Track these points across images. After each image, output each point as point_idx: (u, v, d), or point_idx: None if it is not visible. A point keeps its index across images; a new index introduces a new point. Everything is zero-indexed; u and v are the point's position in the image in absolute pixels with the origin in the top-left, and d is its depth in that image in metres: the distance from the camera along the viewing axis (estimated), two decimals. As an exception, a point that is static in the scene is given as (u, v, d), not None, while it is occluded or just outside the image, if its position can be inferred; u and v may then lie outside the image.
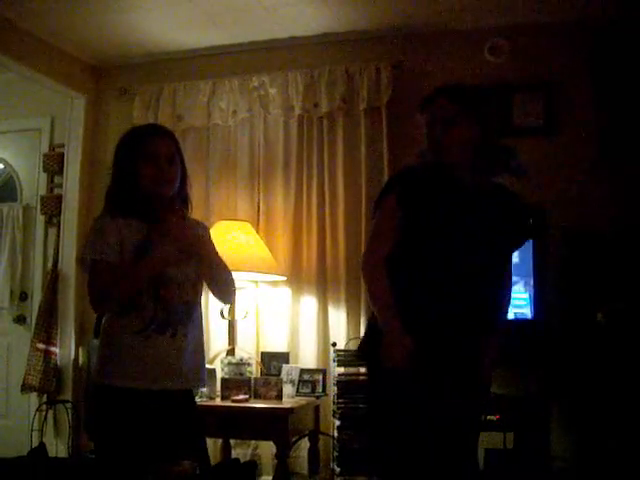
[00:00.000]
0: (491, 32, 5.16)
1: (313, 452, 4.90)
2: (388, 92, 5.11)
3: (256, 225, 5.25)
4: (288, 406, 4.43)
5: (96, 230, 2.91)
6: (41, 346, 5.41)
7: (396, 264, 2.85)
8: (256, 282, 5.26)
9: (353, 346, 4.87)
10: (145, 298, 2.88)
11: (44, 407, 5.54)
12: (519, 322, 4.41)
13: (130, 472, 2.85)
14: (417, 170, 2.98)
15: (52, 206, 5.85)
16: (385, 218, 2.91)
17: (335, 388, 4.62)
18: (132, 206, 2.92)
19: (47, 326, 5.52)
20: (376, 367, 2.89)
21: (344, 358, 4.68)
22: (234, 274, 4.70)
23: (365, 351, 3.04)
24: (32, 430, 5.42)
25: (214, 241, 3.14)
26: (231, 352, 4.95)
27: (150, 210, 2.94)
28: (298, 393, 4.75)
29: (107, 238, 2.86)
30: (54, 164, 5.92)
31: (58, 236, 5.82)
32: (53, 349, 5.53)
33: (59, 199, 5.87)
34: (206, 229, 3.21)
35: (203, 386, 3.50)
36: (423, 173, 2.95)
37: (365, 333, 3.16)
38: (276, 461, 4.47)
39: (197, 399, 4.48)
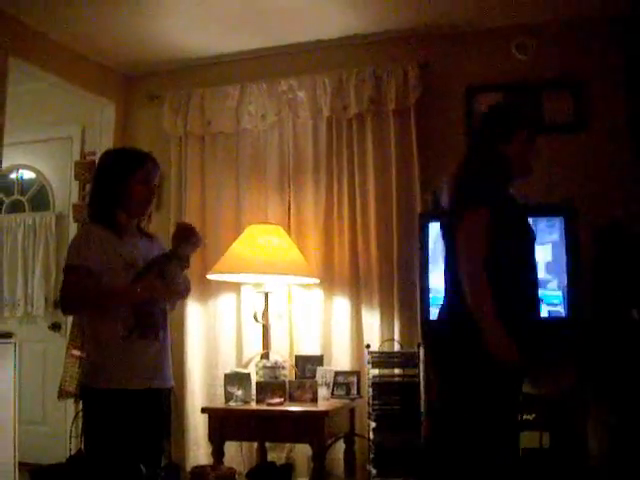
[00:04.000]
0: (518, 30, 5.13)
1: (349, 454, 4.89)
2: (416, 92, 5.10)
3: (287, 228, 5.25)
4: (323, 409, 4.44)
5: (82, 238, 3.25)
6: (76, 352, 5.43)
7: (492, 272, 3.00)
8: (289, 285, 5.27)
9: (387, 348, 4.89)
10: (126, 309, 3.18)
11: (81, 414, 5.58)
12: (553, 320, 4.39)
13: (122, 471, 3.09)
14: (501, 186, 3.19)
15: (84, 214, 5.86)
16: (480, 228, 3.01)
17: (370, 390, 4.62)
18: (115, 221, 3.27)
19: (82, 332, 5.56)
20: (480, 363, 3.00)
21: (378, 360, 4.67)
22: (267, 277, 4.80)
23: (462, 349, 3.10)
24: (70, 437, 5.45)
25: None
26: (265, 356, 4.96)
27: (133, 226, 3.35)
28: (333, 395, 4.75)
29: (91, 246, 3.17)
30: (85, 172, 5.96)
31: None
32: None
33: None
34: (161, 242, 3.51)
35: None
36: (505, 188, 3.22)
37: (454, 330, 3.19)
38: (312, 464, 4.46)
39: (232, 403, 4.52)
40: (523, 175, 3.29)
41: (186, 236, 3.34)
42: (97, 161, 3.59)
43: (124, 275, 3.20)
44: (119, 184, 3.26)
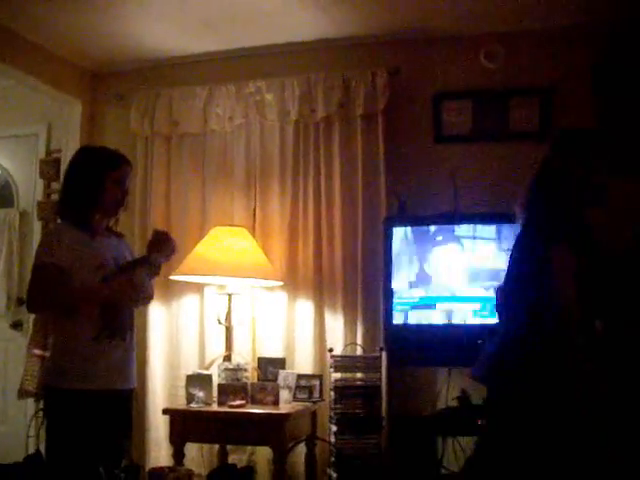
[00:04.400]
0: (487, 38, 5.17)
1: (310, 458, 4.89)
2: (385, 98, 5.10)
3: (252, 231, 5.23)
4: (285, 411, 4.44)
5: (53, 236, 3.28)
6: (38, 352, 5.38)
7: None
8: (253, 287, 5.26)
9: (350, 352, 4.89)
10: (94, 310, 3.21)
11: (40, 413, 5.53)
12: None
13: (81, 472, 3.11)
14: None
15: (49, 212, 5.84)
16: None
17: (332, 393, 4.62)
18: (88, 220, 3.29)
19: (43, 331, 5.50)
20: None
21: (341, 363, 4.67)
22: (230, 279, 4.79)
23: None
24: (28, 436, 5.40)
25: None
26: (227, 358, 4.94)
27: (103, 226, 3.39)
28: (295, 399, 4.74)
29: (62, 245, 3.19)
30: (51, 170, 5.92)
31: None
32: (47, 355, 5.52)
33: (55, 205, 5.86)
34: (128, 242, 3.61)
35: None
36: None
37: None
38: (273, 467, 4.47)
39: (194, 404, 4.51)
40: None
41: (162, 244, 3.36)
42: (70, 158, 3.55)
43: (94, 275, 3.21)
44: (94, 183, 3.26)
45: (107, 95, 5.90)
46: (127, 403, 3.42)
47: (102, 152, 3.46)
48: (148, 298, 3.54)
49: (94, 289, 3.21)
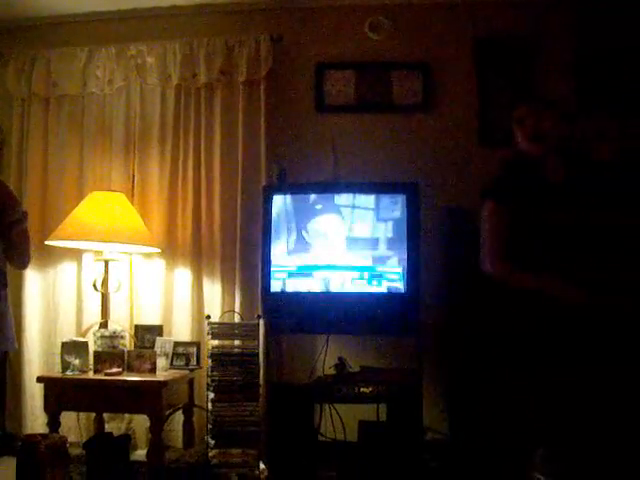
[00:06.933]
0: (373, 10, 5.21)
1: (188, 425, 4.90)
2: (267, 65, 5.09)
3: (130, 197, 5.16)
4: (162, 379, 4.40)
5: None
6: None
7: None
8: (130, 254, 5.20)
9: (228, 320, 4.89)
10: None
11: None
12: (393, 295, 4.47)
13: None
14: None
15: None
16: None
17: (209, 361, 4.61)
18: None
19: None
20: None
21: (218, 331, 4.65)
22: (107, 245, 4.73)
23: None
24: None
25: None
26: (104, 325, 4.87)
27: None
28: (172, 366, 4.72)
29: None
30: None
31: None
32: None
33: None
34: None
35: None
36: None
37: None
38: (150, 435, 4.44)
39: (69, 372, 4.44)
40: None
41: None
42: None
43: None
44: None
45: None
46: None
47: None
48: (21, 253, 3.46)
49: None
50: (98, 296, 4.99)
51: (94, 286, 4.94)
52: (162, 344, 4.77)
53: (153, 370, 4.52)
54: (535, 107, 3.56)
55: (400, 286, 4.45)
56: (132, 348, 4.84)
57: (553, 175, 3.42)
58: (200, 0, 5.25)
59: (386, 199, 4.53)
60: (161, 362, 4.62)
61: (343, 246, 4.55)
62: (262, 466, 4.45)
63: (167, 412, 4.61)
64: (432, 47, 5.16)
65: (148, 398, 4.35)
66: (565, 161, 3.34)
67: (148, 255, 5.18)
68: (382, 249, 4.50)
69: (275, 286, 4.55)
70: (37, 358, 5.22)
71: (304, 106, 5.21)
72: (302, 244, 4.60)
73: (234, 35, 5.20)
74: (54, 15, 5.49)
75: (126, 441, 4.70)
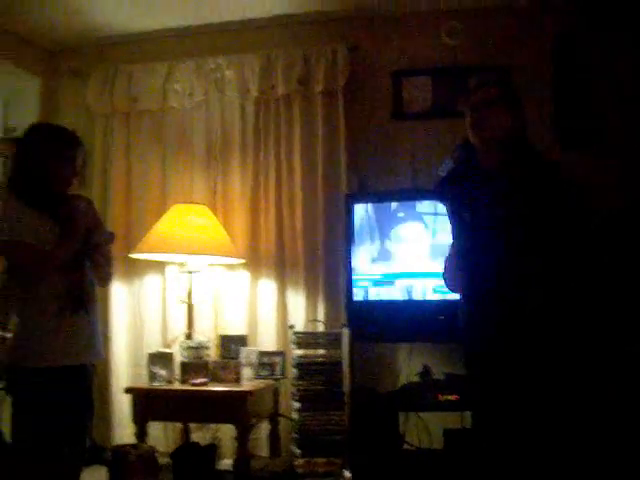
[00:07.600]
0: (447, 15, 5.17)
1: (273, 435, 4.92)
2: (345, 75, 5.10)
3: (213, 208, 5.21)
4: (247, 389, 4.44)
5: (9, 214, 3.19)
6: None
7: None
8: (214, 265, 5.24)
9: (312, 328, 4.90)
10: (57, 285, 3.19)
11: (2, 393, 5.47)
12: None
13: (46, 453, 3.10)
14: None
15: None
16: None
17: (294, 370, 4.63)
18: (40, 199, 3.23)
19: (3, 310, 5.45)
20: None
21: (302, 340, 4.68)
22: (191, 257, 4.78)
23: None
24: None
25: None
26: (189, 336, 4.94)
27: (54, 206, 3.28)
28: (257, 376, 4.75)
29: (22, 222, 3.15)
30: (6, 149, 5.82)
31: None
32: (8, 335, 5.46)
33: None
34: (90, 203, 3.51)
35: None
36: None
37: None
38: (236, 444, 4.48)
39: (156, 383, 4.50)
40: None
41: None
42: (23, 134, 3.47)
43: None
44: (46, 162, 3.22)
45: (65, 72, 5.80)
46: (90, 378, 3.41)
47: (55, 131, 3.38)
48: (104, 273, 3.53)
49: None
50: (183, 307, 5.06)
51: (179, 298, 5.00)
52: (247, 354, 4.80)
53: (238, 380, 4.57)
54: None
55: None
56: (217, 358, 4.89)
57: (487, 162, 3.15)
58: (275, 12, 5.27)
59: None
60: (246, 372, 4.66)
61: (427, 253, 4.54)
62: (347, 474, 4.44)
63: (253, 422, 4.63)
64: (508, 49, 5.08)
65: (234, 408, 4.40)
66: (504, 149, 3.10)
67: (231, 266, 5.22)
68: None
69: (358, 295, 4.56)
70: (124, 370, 5.31)
71: (381, 114, 5.20)
72: (385, 252, 4.60)
73: (310, 45, 5.23)
74: (133, 32, 5.58)
75: (212, 451, 4.75)
